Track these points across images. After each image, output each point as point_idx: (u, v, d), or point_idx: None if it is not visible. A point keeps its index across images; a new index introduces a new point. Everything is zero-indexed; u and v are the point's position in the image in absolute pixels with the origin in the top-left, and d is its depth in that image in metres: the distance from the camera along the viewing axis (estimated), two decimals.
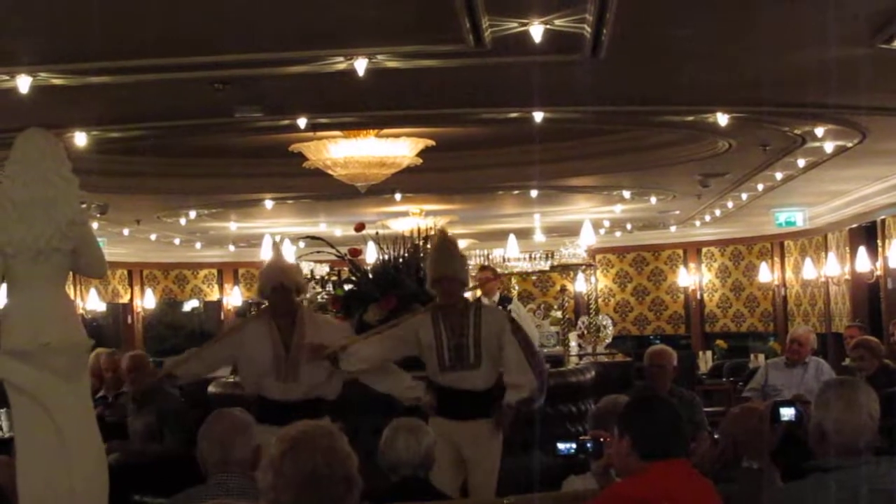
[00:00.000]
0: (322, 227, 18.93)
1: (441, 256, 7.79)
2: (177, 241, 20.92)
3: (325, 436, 3.81)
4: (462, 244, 19.35)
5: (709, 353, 20.28)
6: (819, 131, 10.94)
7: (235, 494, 4.78)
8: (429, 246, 10.35)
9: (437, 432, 7.26)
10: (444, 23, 6.85)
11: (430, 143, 11.95)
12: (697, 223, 20.93)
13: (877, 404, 4.56)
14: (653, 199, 16.76)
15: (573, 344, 14.85)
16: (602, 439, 4.93)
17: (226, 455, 4.87)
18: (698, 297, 23.80)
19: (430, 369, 7.64)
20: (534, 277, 20.97)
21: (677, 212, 19.01)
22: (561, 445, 5.38)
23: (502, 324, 7.71)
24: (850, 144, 11.68)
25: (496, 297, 12.81)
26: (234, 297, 24.36)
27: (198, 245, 21.97)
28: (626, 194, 16.21)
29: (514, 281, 17.59)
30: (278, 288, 7.70)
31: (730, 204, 17.43)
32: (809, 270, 20.14)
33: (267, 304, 8.02)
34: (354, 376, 7.76)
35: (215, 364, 8.34)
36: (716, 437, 5.73)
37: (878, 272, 16.86)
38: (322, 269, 13.44)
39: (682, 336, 23.88)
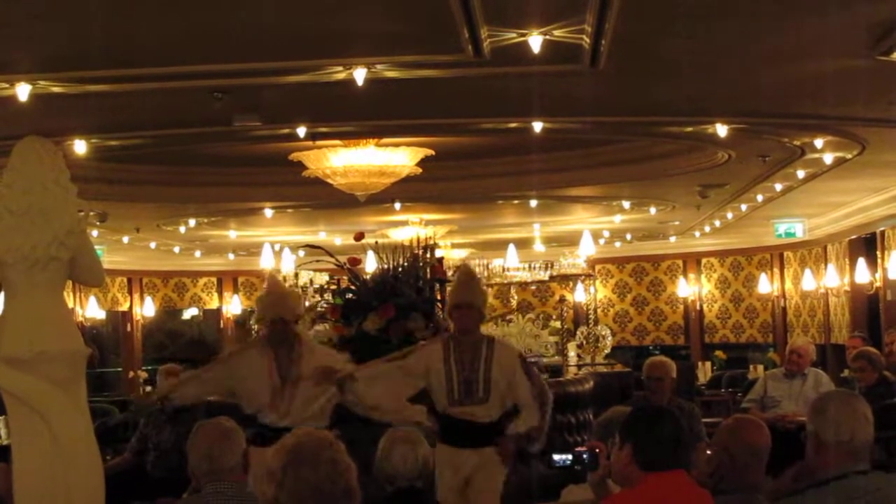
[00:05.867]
0: (322, 236, 18.93)
1: (461, 285, 7.82)
2: (176, 250, 20.91)
3: (327, 448, 3.80)
4: (461, 254, 19.48)
5: (708, 364, 20.29)
6: (818, 143, 10.94)
7: (234, 501, 4.78)
8: (429, 256, 10.36)
9: (443, 460, 7.27)
10: (443, 33, 6.85)
11: (430, 152, 11.94)
12: (697, 234, 20.92)
13: (870, 413, 4.57)
14: (652, 210, 16.75)
15: (572, 354, 14.88)
16: (598, 450, 4.93)
17: (215, 465, 4.87)
18: (697, 307, 23.78)
19: (437, 401, 7.63)
20: (533, 287, 21.04)
21: (677, 222, 19.00)
22: (557, 457, 5.38)
23: (513, 362, 7.70)
24: (849, 156, 11.67)
25: None
26: (233, 306, 24.34)
27: (197, 253, 21.95)
28: (626, 204, 16.20)
29: (513, 291, 17.62)
30: (277, 321, 7.73)
31: (729, 215, 17.43)
32: (809, 282, 20.14)
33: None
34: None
35: (213, 389, 8.31)
36: (708, 452, 5.69)
37: (878, 284, 16.85)
38: (321, 278, 13.45)
39: (682, 347, 23.88)
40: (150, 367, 21.51)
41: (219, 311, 24.74)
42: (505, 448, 7.53)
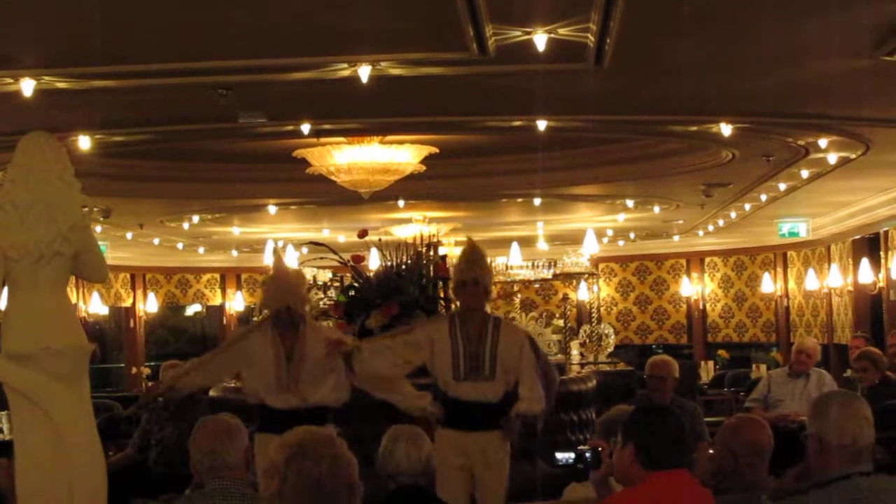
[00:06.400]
0: (325, 233, 18.94)
1: (467, 262, 7.77)
2: (180, 246, 20.93)
3: (329, 443, 3.81)
4: None
5: (710, 363, 20.29)
6: (822, 142, 10.94)
7: (236, 498, 4.79)
8: (432, 254, 10.36)
9: (446, 444, 7.25)
10: (448, 30, 6.85)
11: (434, 150, 11.95)
12: (700, 233, 20.92)
13: (871, 414, 4.58)
14: (656, 209, 16.75)
15: (575, 352, 14.87)
16: (600, 449, 4.93)
17: (217, 461, 4.87)
18: (701, 306, 23.79)
19: (441, 378, 7.57)
20: (536, 286, 21.03)
21: (680, 221, 19.00)
22: (559, 455, 5.39)
23: (521, 341, 7.68)
24: (853, 156, 11.67)
25: None
26: (236, 302, 24.36)
27: (201, 249, 21.97)
28: (630, 203, 16.21)
29: (516, 289, 17.62)
30: (283, 309, 7.72)
31: (733, 214, 17.43)
32: (812, 281, 20.15)
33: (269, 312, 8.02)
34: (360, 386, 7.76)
35: (218, 375, 8.31)
36: (710, 451, 5.70)
37: (881, 284, 16.85)
38: (325, 275, 13.45)
39: (685, 346, 23.89)
40: (153, 364, 21.55)
41: (222, 307, 24.75)
42: (511, 426, 7.50)
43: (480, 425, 7.47)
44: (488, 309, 8.05)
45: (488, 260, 7.98)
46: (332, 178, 12.07)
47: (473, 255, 7.82)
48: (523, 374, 7.54)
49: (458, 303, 7.99)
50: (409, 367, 7.71)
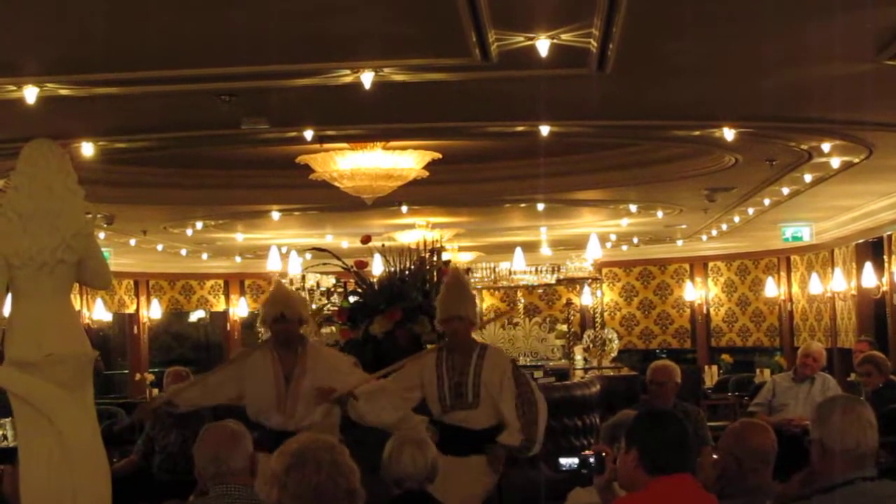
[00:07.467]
0: (328, 239, 18.94)
1: (451, 296, 7.79)
2: (183, 252, 20.93)
3: (328, 450, 3.81)
4: (468, 257, 19.48)
5: (714, 368, 20.28)
6: (825, 147, 10.94)
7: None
8: (435, 259, 10.35)
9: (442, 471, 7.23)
10: (451, 36, 6.85)
11: (437, 155, 11.95)
12: (704, 237, 20.92)
13: (874, 419, 4.57)
14: (659, 213, 16.74)
15: (579, 357, 14.88)
16: (604, 454, 4.92)
17: (221, 468, 4.86)
18: (704, 311, 23.77)
19: (433, 409, 7.67)
20: (540, 291, 21.03)
21: (684, 226, 18.99)
22: (563, 460, 5.37)
23: (504, 368, 7.71)
24: (856, 160, 11.67)
25: None
26: (240, 308, 24.37)
27: (204, 256, 21.96)
28: (633, 208, 16.20)
29: (520, 294, 17.61)
30: (279, 318, 7.69)
31: (736, 218, 17.42)
32: (816, 285, 20.13)
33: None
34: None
35: (218, 393, 8.17)
36: (714, 456, 5.69)
37: (885, 288, 16.83)
38: (328, 281, 13.45)
39: (688, 350, 23.87)
40: (156, 370, 21.55)
41: (225, 313, 24.75)
42: (496, 455, 7.52)
43: (467, 451, 7.49)
44: (481, 335, 8.05)
45: (471, 289, 7.99)
46: (336, 183, 12.07)
47: (458, 290, 7.85)
48: (502, 405, 7.57)
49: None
50: (408, 403, 7.73)
